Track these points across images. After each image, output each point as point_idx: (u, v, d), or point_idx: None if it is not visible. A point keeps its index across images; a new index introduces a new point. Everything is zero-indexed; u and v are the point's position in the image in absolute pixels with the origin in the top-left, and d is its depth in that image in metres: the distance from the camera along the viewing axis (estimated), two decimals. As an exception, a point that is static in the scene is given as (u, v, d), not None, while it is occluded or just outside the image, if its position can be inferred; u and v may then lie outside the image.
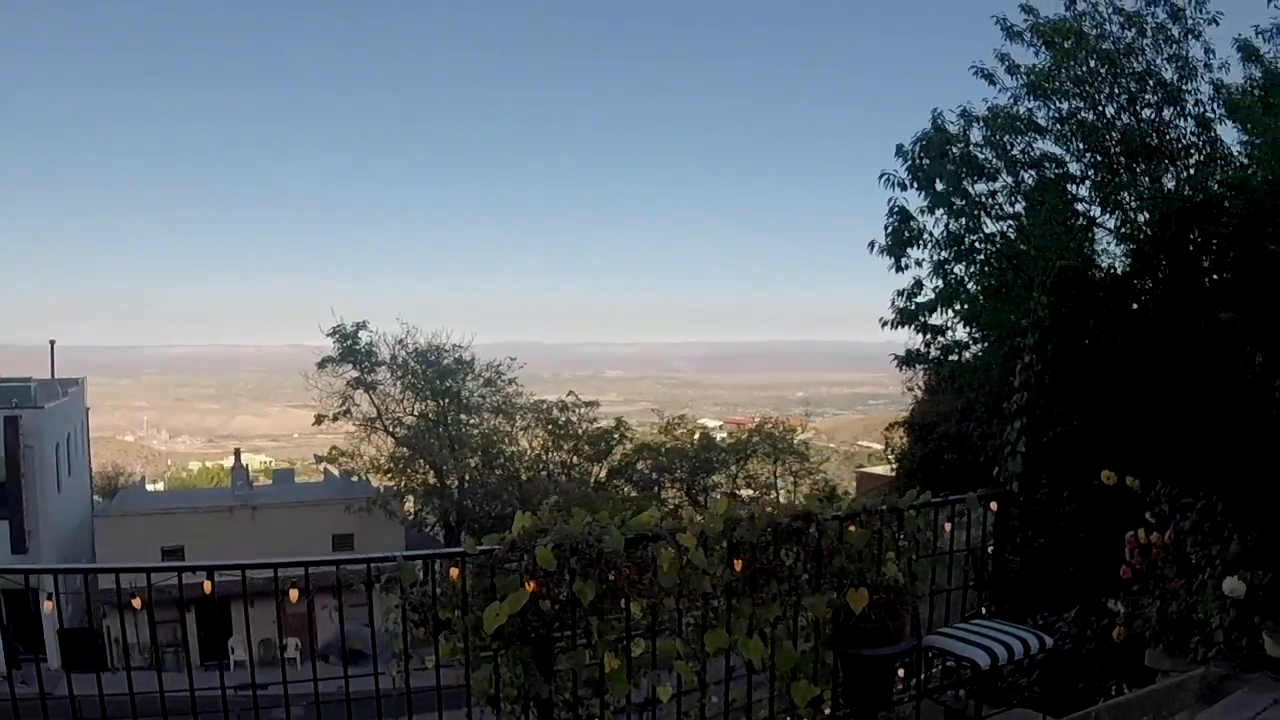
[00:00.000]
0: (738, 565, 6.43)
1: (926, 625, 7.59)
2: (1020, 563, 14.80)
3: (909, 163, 13.59)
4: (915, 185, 13.58)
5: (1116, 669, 10.82)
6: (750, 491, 43.80)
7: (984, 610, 8.10)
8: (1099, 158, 13.59)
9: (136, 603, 6.00)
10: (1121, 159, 13.38)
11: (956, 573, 8.16)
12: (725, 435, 50.77)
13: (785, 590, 6.66)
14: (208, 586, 5.99)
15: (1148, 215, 12.49)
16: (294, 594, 6.43)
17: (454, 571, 6.04)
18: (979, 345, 14.45)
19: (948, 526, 7.96)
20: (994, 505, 8.47)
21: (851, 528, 6.93)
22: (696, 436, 47.72)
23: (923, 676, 7.65)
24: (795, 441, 47.35)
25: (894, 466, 22.56)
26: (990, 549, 8.49)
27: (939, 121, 13.62)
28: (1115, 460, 10.75)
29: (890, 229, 13.88)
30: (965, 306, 13.98)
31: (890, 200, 13.72)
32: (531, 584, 5.77)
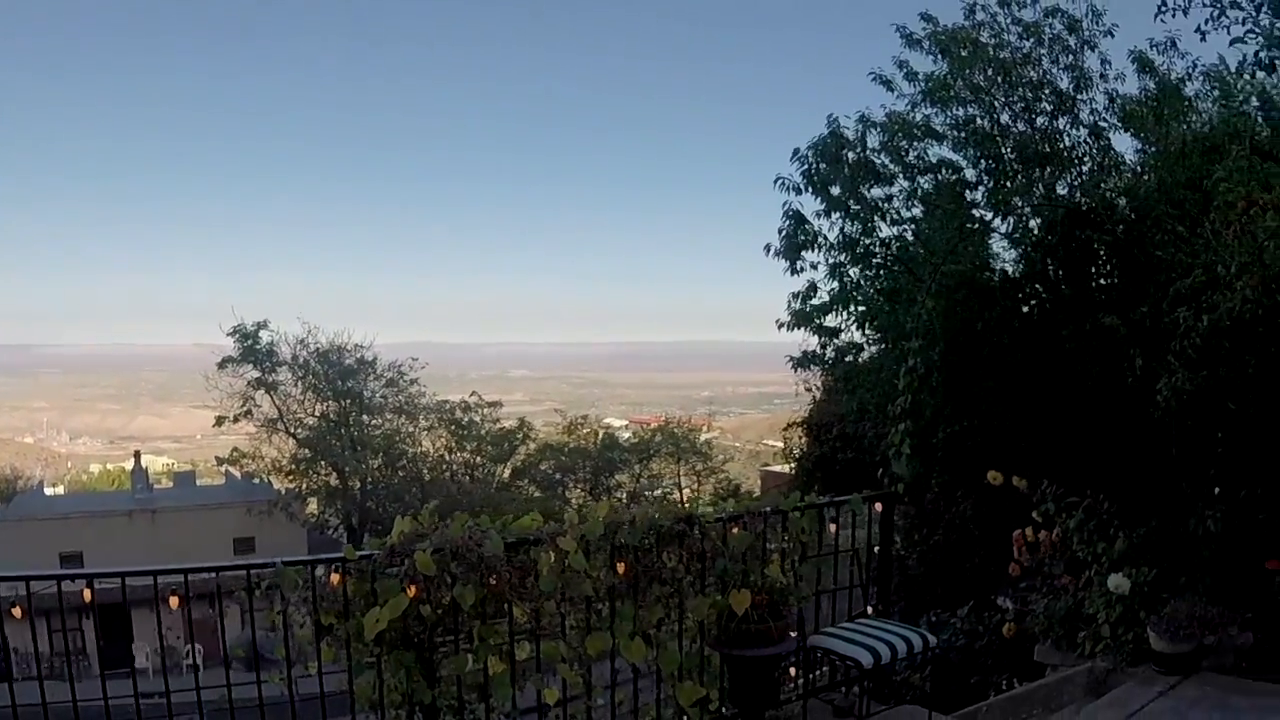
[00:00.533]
0: (620, 568, 6.42)
1: (815, 625, 7.64)
2: (915, 561, 15.14)
3: (805, 167, 13.69)
4: (810, 189, 13.69)
5: (1008, 664, 11.06)
6: (654, 491, 43.82)
7: (869, 609, 8.17)
8: (993, 164, 13.81)
9: (16, 612, 5.83)
10: (1016, 165, 13.62)
11: (849, 573, 8.23)
12: (631, 435, 50.72)
13: (668, 593, 6.66)
14: (87, 595, 5.86)
15: (1039, 220, 12.72)
16: (174, 601, 6.31)
17: (335, 577, 5.97)
18: (875, 347, 14.63)
19: (832, 527, 8.01)
20: (879, 506, 8.53)
21: (734, 530, 6.96)
22: (600, 436, 47.64)
23: (812, 675, 7.70)
24: (699, 441, 47.51)
25: (792, 466, 22.73)
26: (876, 549, 8.55)
27: (835, 127, 13.75)
28: (1006, 461, 10.95)
29: (785, 232, 13.98)
30: (861, 309, 14.14)
31: (785, 204, 13.83)
32: (412, 589, 5.74)
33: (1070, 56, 13.91)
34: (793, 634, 7.09)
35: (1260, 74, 8.70)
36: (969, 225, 13.31)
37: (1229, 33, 8.37)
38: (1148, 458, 9.95)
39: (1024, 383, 12.11)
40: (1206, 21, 8.43)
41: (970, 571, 13.75)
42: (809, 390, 19.33)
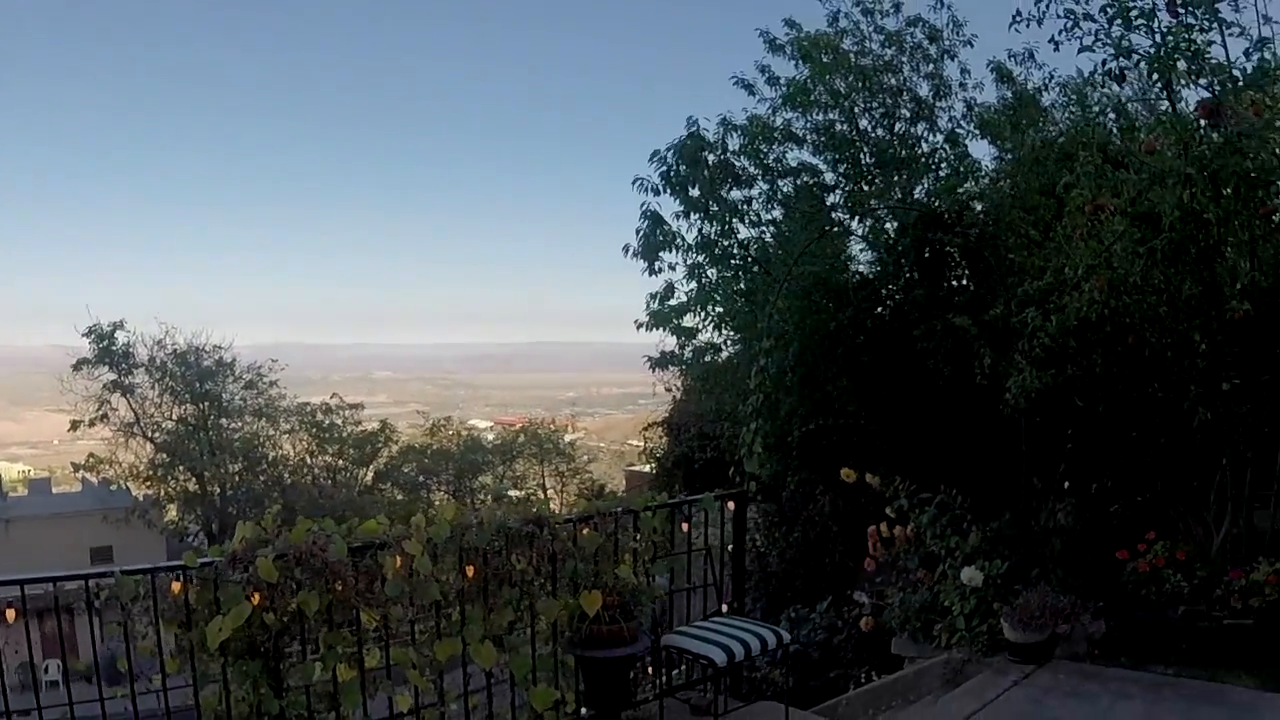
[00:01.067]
0: (469, 571, 6.30)
1: (672, 624, 7.62)
2: (776, 558, 15.25)
3: (664, 169, 13.69)
4: (669, 191, 13.71)
5: (867, 657, 11.19)
6: (517, 492, 43.54)
7: (724, 608, 8.18)
8: (852, 168, 14.04)
9: None
10: (874, 169, 13.86)
11: (704, 572, 8.22)
12: (495, 437, 50.32)
13: (518, 595, 6.56)
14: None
15: (895, 223, 12.93)
16: (10, 614, 6.03)
17: (176, 586, 5.74)
18: (734, 347, 14.71)
19: (685, 526, 7.99)
20: (731, 505, 8.55)
21: (585, 530, 6.88)
22: (463, 438, 47.20)
23: (670, 675, 7.68)
24: (563, 442, 47.43)
25: (653, 466, 22.74)
26: (730, 547, 8.58)
27: (696, 129, 13.77)
28: (862, 458, 11.11)
29: (642, 233, 13.94)
30: (719, 310, 14.20)
31: (644, 205, 13.80)
32: (256, 597, 5.53)
33: (931, 65, 14.27)
34: (648, 634, 7.03)
35: (1111, 84, 8.93)
36: (827, 228, 13.44)
37: (1082, 43, 8.57)
38: (999, 454, 10.19)
39: (879, 382, 12.31)
40: (1061, 32, 8.62)
41: (829, 568, 13.91)
42: (669, 390, 19.37)
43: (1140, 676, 8.23)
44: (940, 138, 14.27)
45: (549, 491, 44.98)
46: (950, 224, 12.00)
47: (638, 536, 7.30)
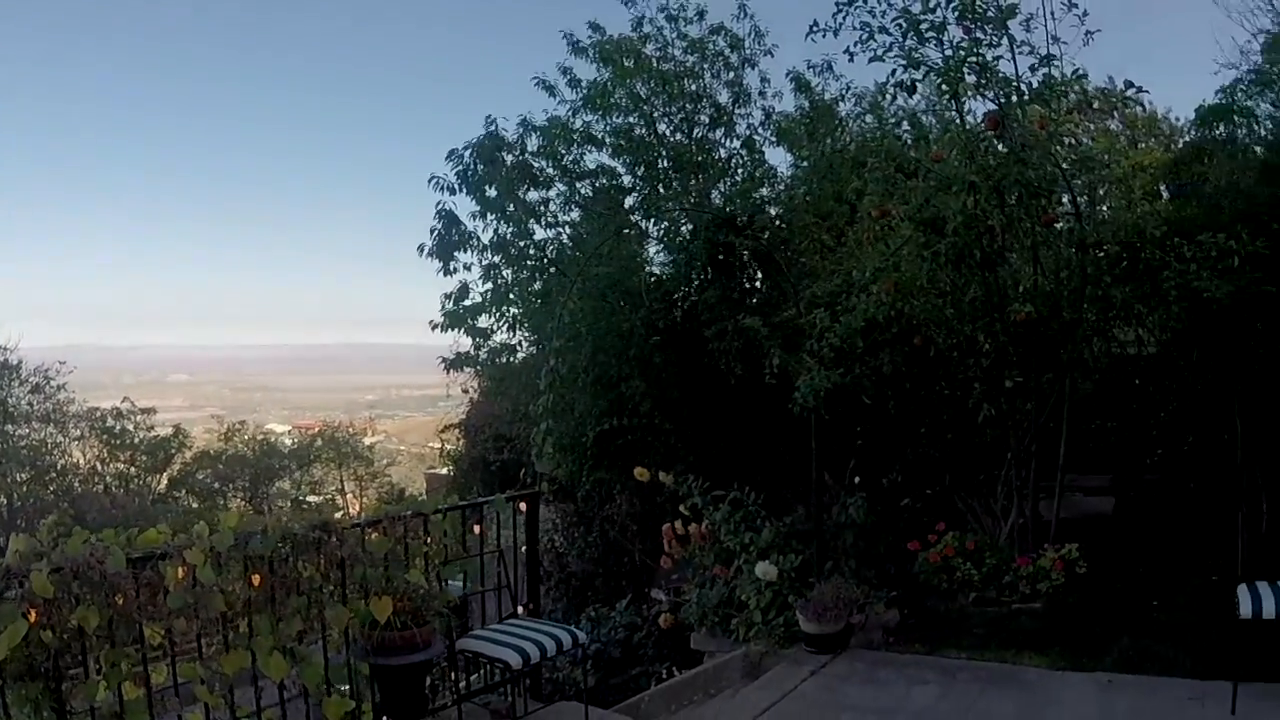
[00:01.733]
0: (255, 580, 5.99)
1: (467, 628, 7.44)
2: (577, 558, 15.16)
3: (460, 167, 13.46)
4: (465, 190, 13.48)
5: (668, 654, 11.18)
6: (316, 498, 42.33)
7: (520, 609, 8.03)
8: (649, 171, 14.02)
9: None
10: (671, 173, 13.85)
11: (504, 573, 8.05)
12: (294, 441, 48.92)
13: (307, 604, 6.28)
14: None
15: (690, 226, 12.92)
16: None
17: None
18: (530, 348, 14.53)
19: (477, 528, 7.82)
20: (523, 506, 8.42)
21: (374, 534, 6.65)
22: (259, 443, 45.68)
23: (470, 679, 7.50)
24: (361, 445, 46.31)
25: (450, 468, 22.37)
26: (524, 549, 8.45)
27: (494, 128, 13.59)
28: (659, 457, 11.12)
29: (437, 232, 13.69)
30: (514, 311, 14.02)
31: (440, 204, 13.55)
32: (32, 614, 5.12)
33: (732, 73, 14.42)
34: (443, 639, 6.86)
35: (903, 95, 9.07)
36: (623, 230, 13.40)
37: (875, 54, 8.68)
38: (794, 452, 10.27)
39: (672, 382, 12.34)
40: (856, 44, 8.72)
41: (630, 566, 13.90)
42: (465, 392, 19.07)
43: (935, 661, 8.41)
44: (738, 143, 14.41)
45: (349, 496, 43.94)
46: (743, 227, 12.07)
47: (429, 540, 7.09)
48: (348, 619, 6.36)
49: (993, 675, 8.00)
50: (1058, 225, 9.24)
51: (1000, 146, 8.44)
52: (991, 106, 8.53)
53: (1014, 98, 8.49)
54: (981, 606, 9.29)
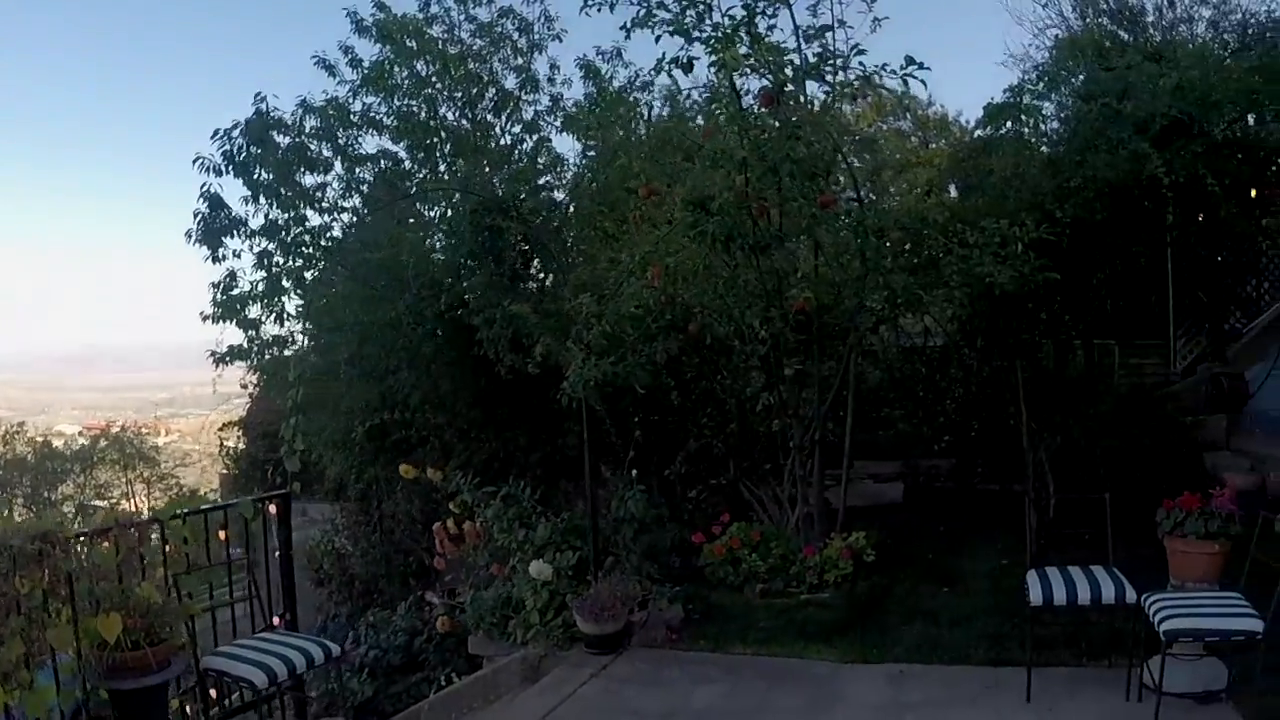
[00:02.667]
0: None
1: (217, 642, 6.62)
2: (359, 560, 14.25)
3: (226, 147, 12.30)
4: (233, 172, 12.34)
5: (450, 659, 10.51)
6: (102, 502, 40.12)
7: (276, 620, 7.22)
8: (428, 155, 13.28)
9: None
10: (452, 157, 13.14)
11: (258, 584, 7.21)
12: (86, 442, 46.45)
13: (28, 624, 5.40)
14: None
15: (465, 211, 12.14)
16: None
17: None
18: (305, 340, 13.51)
19: (222, 534, 6.96)
20: (274, 508, 7.58)
21: (104, 544, 5.80)
22: (40, 445, 43.19)
23: (228, 700, 6.65)
24: (148, 445, 44.16)
25: (227, 468, 21.09)
26: (277, 554, 7.62)
27: (264, 106, 12.48)
28: (435, 453, 10.40)
29: (201, 216, 12.45)
30: (288, 300, 12.98)
31: (205, 185, 12.33)
32: None
33: (521, 58, 13.85)
34: (187, 657, 6.04)
35: (678, 72, 8.39)
36: (396, 214, 12.58)
37: (654, 32, 8.01)
38: (572, 445, 9.66)
39: (444, 374, 11.55)
40: (633, 21, 8.06)
41: (413, 567, 13.07)
42: (244, 388, 17.83)
43: (720, 658, 7.99)
44: (519, 129, 13.88)
45: (139, 499, 41.85)
46: (517, 213, 11.30)
47: (168, 548, 6.23)
48: (73, 640, 5.48)
49: (780, 670, 7.62)
50: (839, 209, 8.73)
51: (775, 123, 7.89)
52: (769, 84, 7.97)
53: (789, 70, 7.94)
54: (769, 599, 8.89)
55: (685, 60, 7.90)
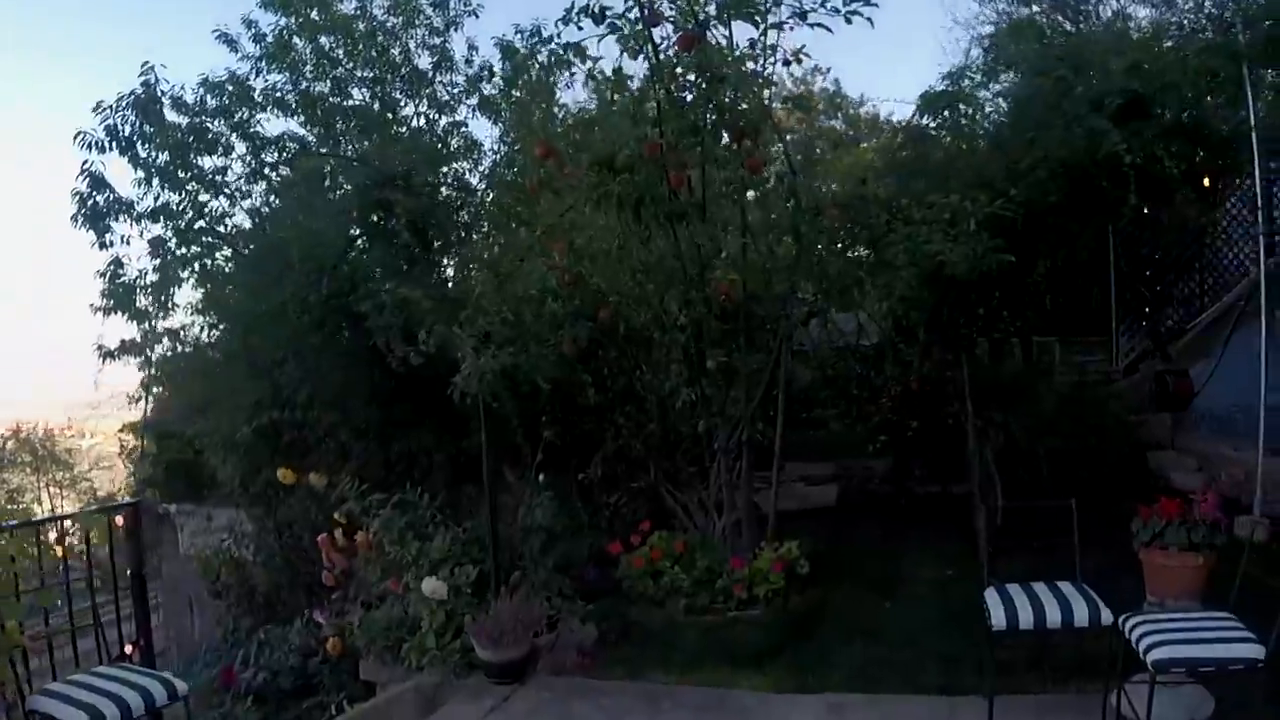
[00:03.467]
0: None
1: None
2: (261, 570, 12.99)
3: (109, 122, 10.98)
4: (119, 150, 11.03)
5: (344, 682, 9.29)
6: (14, 506, 38.29)
7: (129, 649, 6.10)
8: (328, 132, 12.15)
9: None
10: (358, 136, 12.01)
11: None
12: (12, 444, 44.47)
13: None
14: None
15: (357, 186, 10.96)
16: None
17: None
18: (204, 332, 12.25)
19: (58, 550, 5.83)
20: (120, 520, 6.42)
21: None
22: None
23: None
24: (59, 448, 42.29)
25: (133, 472, 19.57)
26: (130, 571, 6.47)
27: (151, 78, 11.19)
28: (327, 455, 9.29)
29: (80, 196, 11.12)
30: (183, 289, 11.74)
31: (87, 164, 11.00)
32: None
33: (436, 36, 12.79)
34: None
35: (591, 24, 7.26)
36: (314, 200, 11.37)
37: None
38: (475, 445, 8.50)
39: (332, 367, 10.24)
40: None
41: (313, 579, 11.86)
42: (144, 385, 16.45)
43: (638, 687, 6.93)
44: (434, 111, 12.74)
45: (58, 504, 40.05)
46: (407, 184, 10.10)
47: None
48: None
49: (705, 701, 6.58)
50: (766, 176, 7.61)
51: (693, 76, 6.76)
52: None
53: (712, 8, 6.80)
54: (693, 616, 7.87)
55: (597, 9, 6.76)
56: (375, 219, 10.05)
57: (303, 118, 12.32)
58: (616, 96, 6.74)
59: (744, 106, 6.68)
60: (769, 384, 8.28)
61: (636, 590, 8.15)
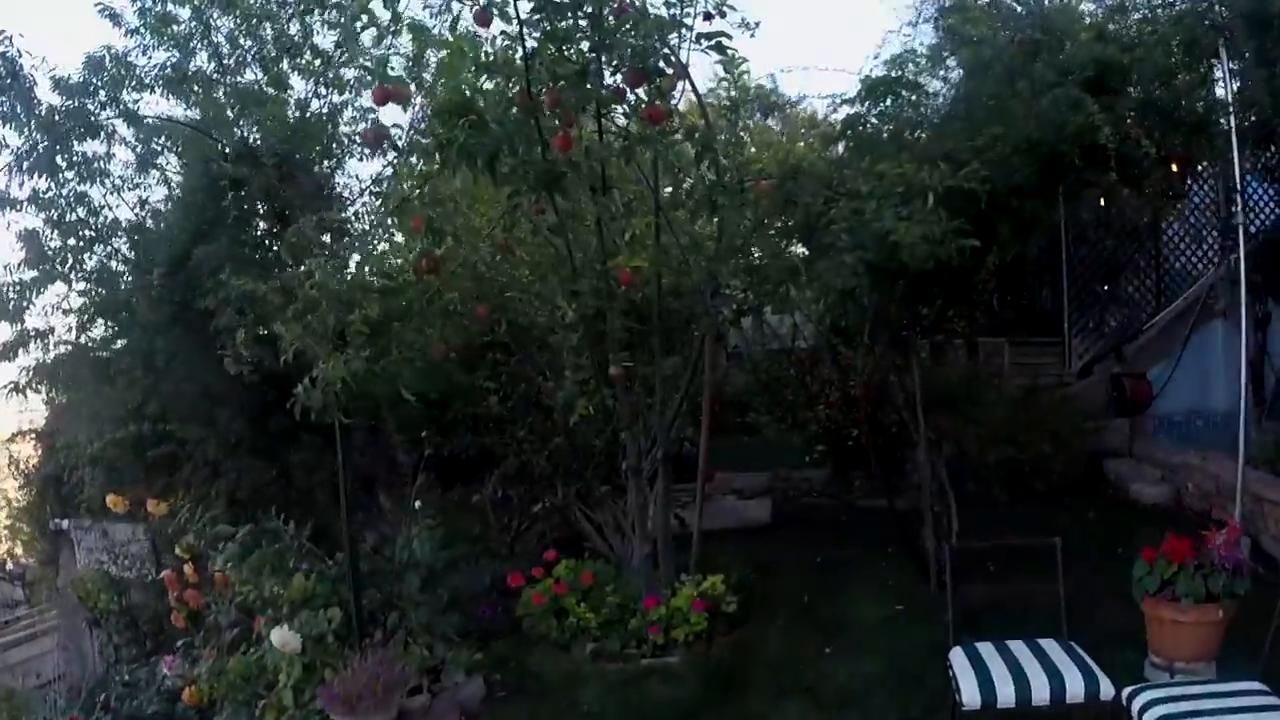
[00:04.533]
0: None
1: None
2: (140, 593, 11.45)
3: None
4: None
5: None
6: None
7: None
8: (210, 113, 10.56)
9: None
10: (238, 113, 10.47)
11: None
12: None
13: None
14: None
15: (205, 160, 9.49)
16: None
17: None
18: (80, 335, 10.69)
19: None
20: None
21: None
22: None
23: None
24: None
25: (22, 486, 17.81)
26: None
27: (10, 51, 9.62)
28: (203, 473, 7.85)
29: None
30: (65, 288, 10.18)
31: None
32: None
33: (340, 14, 11.14)
34: None
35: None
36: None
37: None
38: (359, 462, 7.04)
39: (183, 375, 8.42)
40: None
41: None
42: (35, 392, 14.78)
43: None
44: (337, 96, 11.20)
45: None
46: (255, 157, 8.53)
47: None
48: None
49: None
50: (673, 130, 5.98)
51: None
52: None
53: None
54: (601, 663, 6.46)
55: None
56: (225, 202, 8.50)
57: (187, 99, 10.85)
58: (483, 32, 5.13)
59: (639, 43, 5.13)
60: (690, 390, 6.88)
61: (538, 631, 6.76)
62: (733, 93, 5.72)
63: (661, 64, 4.80)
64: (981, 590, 5.25)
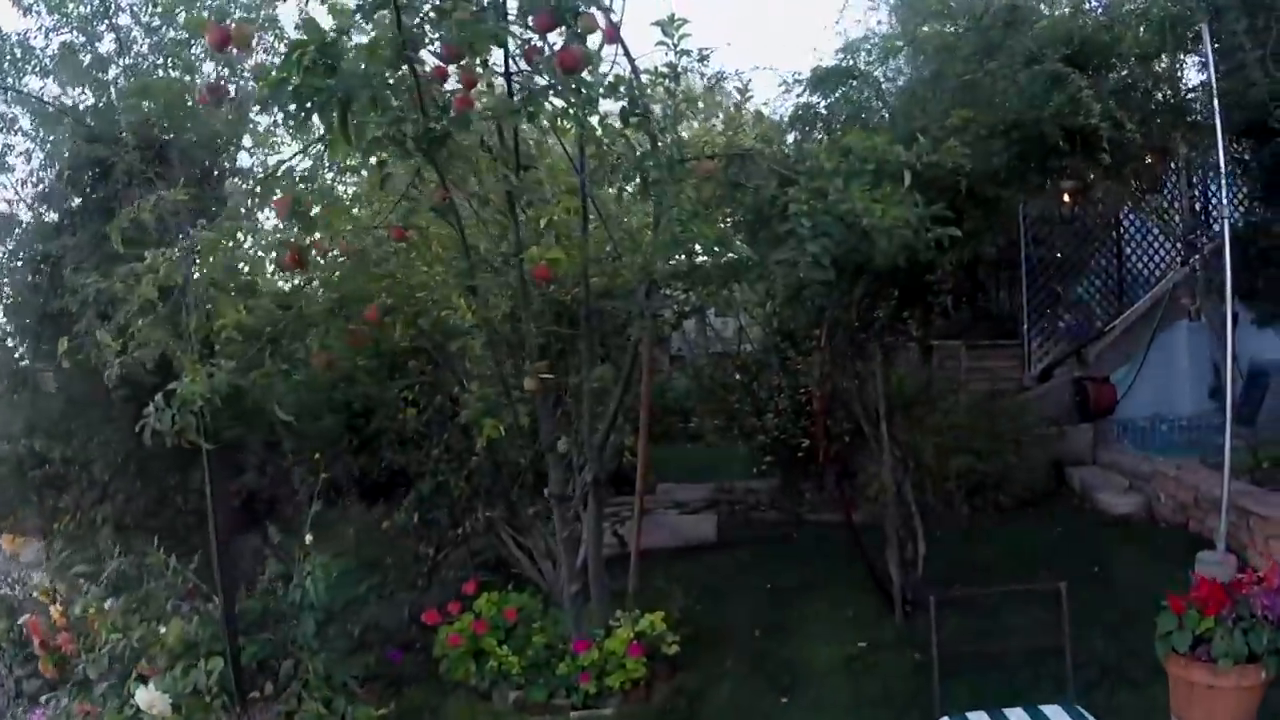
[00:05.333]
0: None
1: None
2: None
3: None
4: None
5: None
6: None
7: None
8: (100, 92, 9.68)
9: None
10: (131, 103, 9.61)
11: None
12: None
13: None
14: None
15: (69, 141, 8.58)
16: None
17: None
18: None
19: None
20: None
21: None
22: None
23: None
24: None
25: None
26: None
27: None
28: (93, 497, 6.89)
29: None
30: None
31: None
32: None
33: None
34: None
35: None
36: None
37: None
38: (255, 484, 6.08)
39: (53, 384, 7.45)
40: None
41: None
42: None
43: None
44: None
45: None
46: (115, 136, 7.49)
47: None
48: None
49: None
50: (595, 86, 4.76)
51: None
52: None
53: None
54: (526, 714, 5.50)
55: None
56: (89, 190, 7.49)
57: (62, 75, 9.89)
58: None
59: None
60: (628, 403, 5.99)
61: (456, 674, 5.81)
62: (670, 57, 4.73)
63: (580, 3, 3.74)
64: (964, 634, 4.46)
